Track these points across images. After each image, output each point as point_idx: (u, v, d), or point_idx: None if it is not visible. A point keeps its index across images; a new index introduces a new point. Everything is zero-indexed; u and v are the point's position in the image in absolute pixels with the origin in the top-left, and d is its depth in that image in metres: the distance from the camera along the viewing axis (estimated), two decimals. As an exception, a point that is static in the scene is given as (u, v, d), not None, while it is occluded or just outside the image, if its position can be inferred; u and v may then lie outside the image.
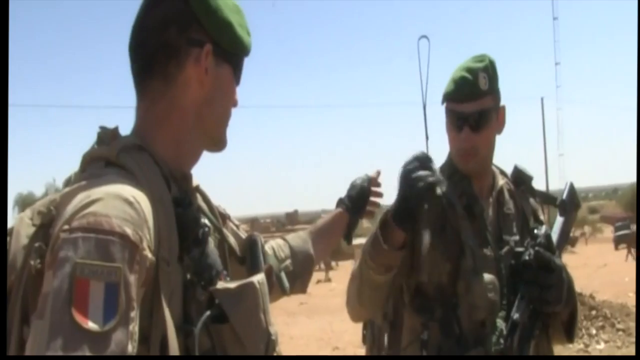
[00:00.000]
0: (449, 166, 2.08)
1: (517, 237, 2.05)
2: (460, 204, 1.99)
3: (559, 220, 2.15)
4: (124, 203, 1.06)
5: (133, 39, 1.26)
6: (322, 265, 37.28)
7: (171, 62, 1.23)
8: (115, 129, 1.24)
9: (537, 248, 1.93)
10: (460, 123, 1.99)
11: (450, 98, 2.00)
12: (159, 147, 1.22)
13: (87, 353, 0.94)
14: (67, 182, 1.24)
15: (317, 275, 35.25)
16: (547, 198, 2.20)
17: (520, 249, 1.98)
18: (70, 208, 1.06)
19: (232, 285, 1.22)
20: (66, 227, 1.03)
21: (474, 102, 1.97)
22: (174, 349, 1.10)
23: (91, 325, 0.96)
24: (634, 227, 47.01)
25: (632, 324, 11.07)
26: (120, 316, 0.99)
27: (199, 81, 1.24)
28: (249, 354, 1.22)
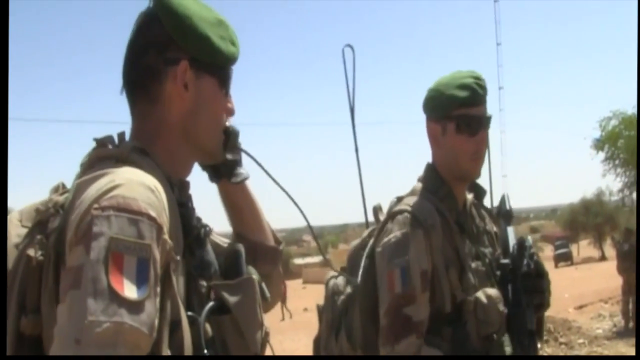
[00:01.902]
0: (434, 180, 2.06)
1: (490, 249, 2.09)
2: (452, 219, 1.99)
3: (510, 229, 2.18)
4: (147, 189, 1.11)
5: (124, 63, 1.32)
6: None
7: (153, 83, 1.29)
8: (123, 133, 1.31)
9: (535, 258, 2.02)
10: (476, 126, 2.00)
11: (464, 103, 1.98)
12: (155, 158, 1.27)
13: (126, 319, 0.99)
14: (57, 189, 1.31)
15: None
16: (497, 213, 2.24)
17: (505, 261, 2.04)
18: (94, 191, 1.09)
19: (232, 280, 1.30)
20: (96, 205, 1.06)
21: (484, 106, 2.03)
22: (186, 332, 1.15)
23: (127, 293, 1.01)
24: (571, 247, 48.29)
25: (574, 337, 11.46)
26: (150, 289, 1.04)
27: (180, 97, 1.29)
28: (247, 343, 1.28)
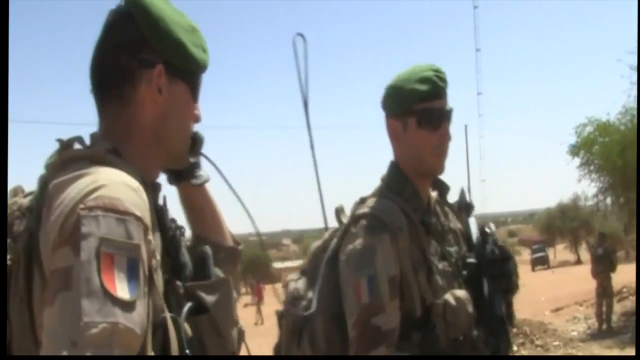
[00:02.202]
0: (398, 179, 1.99)
1: (456, 248, 2.03)
2: (417, 220, 1.92)
3: (472, 220, 2.13)
4: (130, 189, 1.10)
5: (92, 62, 1.29)
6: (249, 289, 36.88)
7: (126, 84, 1.26)
8: (96, 134, 1.28)
9: (500, 243, 1.99)
10: (438, 120, 1.95)
11: (425, 97, 1.92)
12: (127, 159, 1.23)
13: (120, 319, 0.98)
14: (16, 192, 1.30)
15: (245, 299, 35.06)
16: (458, 206, 2.19)
17: (472, 260, 1.98)
18: (75, 192, 1.07)
19: (208, 281, 1.33)
20: (82, 205, 1.04)
21: (445, 99, 1.98)
22: (172, 332, 1.16)
23: (120, 294, 1.00)
24: (547, 251, 48.71)
25: (549, 340, 11.65)
26: (140, 289, 1.04)
27: (153, 100, 1.27)
28: (225, 342, 1.31)
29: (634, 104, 14.92)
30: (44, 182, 1.17)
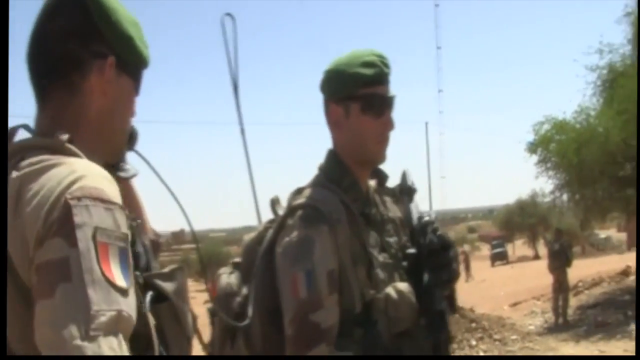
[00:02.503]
0: (337, 168, 1.91)
1: (396, 238, 1.96)
2: (357, 211, 1.85)
3: (413, 205, 2.05)
4: (107, 180, 1.10)
5: (33, 47, 1.25)
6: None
7: (75, 72, 1.23)
8: (41, 122, 1.24)
9: (440, 232, 1.89)
10: (382, 107, 1.89)
11: (369, 81, 1.86)
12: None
13: (123, 306, 1.00)
14: None
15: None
16: (400, 190, 2.11)
17: (412, 251, 1.90)
18: (54, 182, 1.05)
19: (165, 269, 1.32)
20: (69, 195, 1.03)
21: (388, 86, 1.91)
22: (151, 320, 1.19)
23: (118, 282, 1.01)
24: (506, 246, 49.39)
25: (507, 334, 11.82)
26: (131, 278, 1.05)
27: (102, 92, 1.25)
28: (183, 330, 1.31)
29: (589, 103, 15.28)
30: None
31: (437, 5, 39.73)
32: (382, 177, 2.03)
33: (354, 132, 1.88)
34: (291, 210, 1.81)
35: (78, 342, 0.94)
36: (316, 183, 1.91)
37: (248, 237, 2.00)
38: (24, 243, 1.03)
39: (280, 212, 1.90)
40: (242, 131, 2.38)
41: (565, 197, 16.08)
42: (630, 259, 22.25)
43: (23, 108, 1.34)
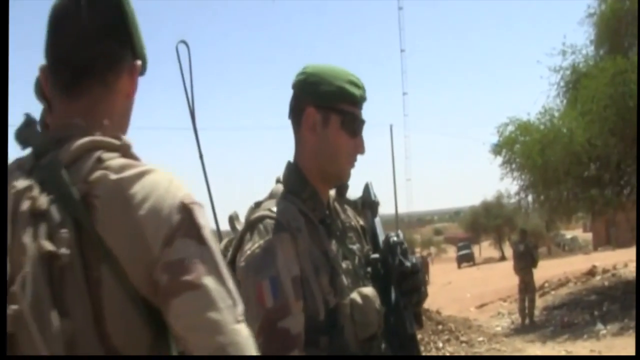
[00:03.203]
0: (297, 180, 1.90)
1: (358, 245, 1.96)
2: (316, 220, 1.86)
3: (377, 221, 2.07)
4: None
5: (66, 41, 1.25)
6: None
7: (110, 71, 1.26)
8: (76, 119, 1.24)
9: (414, 260, 1.90)
10: (358, 128, 1.90)
11: (353, 101, 1.88)
12: None
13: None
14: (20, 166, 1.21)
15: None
16: (362, 203, 2.10)
17: (375, 256, 1.94)
18: (163, 188, 1.13)
19: None
20: (188, 200, 1.14)
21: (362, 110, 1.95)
22: None
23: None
24: (473, 248, 49.89)
25: (474, 336, 11.85)
26: None
27: (128, 94, 1.31)
28: None
29: (553, 104, 15.41)
30: (58, 167, 1.13)
31: (401, 8, 40.02)
32: (342, 186, 2.03)
33: (329, 143, 1.89)
34: (250, 224, 1.80)
35: (234, 325, 1.09)
36: (274, 195, 1.90)
37: None
38: (138, 244, 1.08)
39: (239, 227, 1.90)
40: (201, 156, 2.38)
41: (530, 198, 16.17)
42: (596, 259, 22.57)
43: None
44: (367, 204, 2.11)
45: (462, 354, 10.82)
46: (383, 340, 1.82)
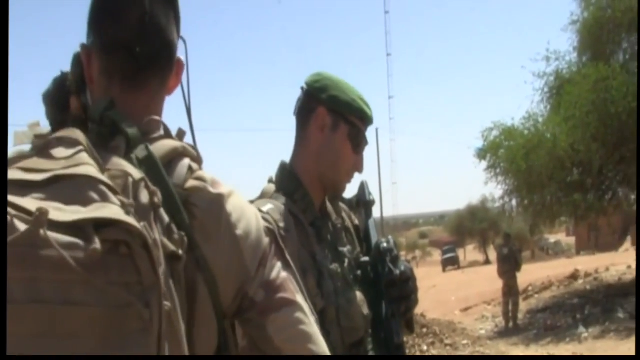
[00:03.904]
0: (290, 181, 1.90)
1: (350, 247, 1.96)
2: (307, 222, 1.85)
3: (371, 222, 2.07)
4: None
5: (135, 29, 1.16)
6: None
7: (169, 63, 1.23)
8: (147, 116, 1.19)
9: (404, 268, 1.89)
10: (362, 146, 1.93)
11: (364, 118, 1.91)
12: None
13: None
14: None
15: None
16: (357, 202, 2.12)
17: (365, 259, 1.94)
18: (251, 211, 1.19)
19: None
20: (270, 226, 1.24)
21: None
22: None
23: None
24: (458, 251, 50.03)
25: (458, 339, 11.93)
26: None
27: (171, 89, 1.26)
28: None
29: (537, 110, 15.54)
30: (158, 166, 1.07)
31: (387, 12, 40.15)
32: (337, 195, 2.02)
33: (334, 147, 1.89)
34: None
35: (320, 336, 1.21)
36: (265, 195, 1.88)
37: None
38: (236, 260, 1.12)
39: None
40: (194, 142, 2.31)
41: (514, 202, 16.28)
42: (579, 262, 22.74)
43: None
44: (362, 203, 2.11)
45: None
46: (371, 346, 1.82)
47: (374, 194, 2.16)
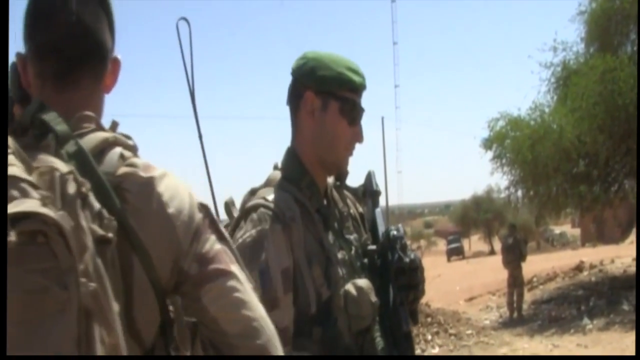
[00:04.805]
0: (296, 168, 1.88)
1: (356, 235, 1.94)
2: (313, 209, 1.83)
3: (378, 212, 2.06)
4: None
5: (61, 32, 1.23)
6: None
7: (102, 62, 1.29)
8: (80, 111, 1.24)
9: (413, 256, 1.88)
10: (357, 116, 1.88)
11: (353, 88, 1.86)
12: None
13: None
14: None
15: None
16: (364, 192, 2.10)
17: (372, 247, 1.92)
18: (183, 189, 1.24)
19: None
20: (201, 201, 1.28)
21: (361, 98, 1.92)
22: None
23: None
24: (462, 241, 50.01)
25: (463, 329, 11.95)
26: None
27: (107, 88, 1.33)
28: None
29: (543, 100, 15.48)
30: (87, 157, 1.14)
31: (394, 1, 39.83)
32: (341, 174, 2.01)
33: (327, 129, 1.86)
34: (245, 212, 1.79)
35: (258, 303, 1.26)
36: (270, 182, 1.88)
37: None
38: (169, 237, 1.18)
39: (235, 214, 1.87)
40: (200, 137, 2.33)
41: (520, 193, 16.25)
42: (584, 254, 22.71)
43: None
44: (369, 193, 2.10)
45: (451, 346, 10.91)
46: (378, 333, 1.80)
47: (380, 183, 2.15)
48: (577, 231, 47.22)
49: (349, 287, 1.75)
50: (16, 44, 1.27)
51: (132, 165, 1.19)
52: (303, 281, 1.74)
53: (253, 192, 1.88)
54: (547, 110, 15.02)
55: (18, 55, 1.28)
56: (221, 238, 1.26)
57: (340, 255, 1.83)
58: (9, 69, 1.28)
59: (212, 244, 1.23)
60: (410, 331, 1.84)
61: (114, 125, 1.29)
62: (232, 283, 1.22)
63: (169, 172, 1.23)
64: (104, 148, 1.19)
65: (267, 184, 1.88)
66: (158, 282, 1.17)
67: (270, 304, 1.62)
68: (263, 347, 1.24)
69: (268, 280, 1.67)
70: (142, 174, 1.19)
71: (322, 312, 1.74)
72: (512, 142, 14.77)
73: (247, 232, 1.73)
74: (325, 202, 1.90)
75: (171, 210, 1.19)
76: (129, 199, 1.15)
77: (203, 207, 1.25)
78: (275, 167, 1.93)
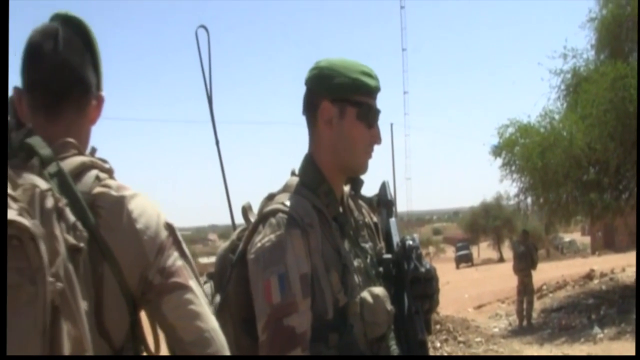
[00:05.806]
0: (314, 175, 1.89)
1: (371, 244, 1.96)
2: (330, 216, 1.85)
3: (393, 222, 2.06)
4: None
5: (47, 70, 1.44)
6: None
7: (85, 97, 1.48)
8: (63, 139, 1.43)
9: (429, 266, 1.91)
10: (374, 119, 1.90)
11: (368, 91, 1.88)
12: None
13: None
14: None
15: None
16: (378, 202, 2.12)
17: (388, 256, 1.93)
18: (150, 208, 1.42)
19: None
20: (166, 220, 1.44)
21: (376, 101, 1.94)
22: None
23: None
24: (471, 249, 49.86)
25: (472, 336, 11.90)
26: None
27: (93, 120, 1.52)
28: None
29: (553, 107, 15.41)
30: (67, 178, 1.31)
31: (403, 7, 39.88)
32: (356, 182, 2.03)
33: (345, 135, 1.87)
34: (263, 216, 1.80)
35: (212, 316, 1.42)
36: (288, 188, 1.89)
37: (222, 246, 2.01)
38: (137, 250, 1.35)
39: (252, 219, 1.89)
40: (217, 143, 2.38)
41: (529, 200, 16.15)
42: (594, 262, 22.58)
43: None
44: (383, 203, 2.11)
45: (460, 354, 10.87)
46: (393, 341, 1.80)
47: (385, 185, 2.16)
48: (587, 239, 47.02)
49: (365, 294, 1.76)
50: (15, 80, 1.44)
51: (106, 185, 1.37)
52: (320, 286, 1.75)
53: (271, 197, 1.89)
54: (557, 117, 14.93)
55: (15, 89, 1.47)
56: (183, 255, 1.42)
57: (356, 263, 1.84)
58: (9, 103, 1.45)
59: (174, 260, 1.40)
60: (426, 340, 1.83)
61: (93, 151, 1.48)
62: (189, 296, 1.38)
63: (140, 192, 1.41)
64: (82, 170, 1.38)
65: (285, 189, 1.89)
66: (127, 288, 1.35)
67: (289, 308, 1.67)
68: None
69: (287, 284, 1.68)
70: (115, 193, 1.36)
71: (339, 318, 1.75)
72: (521, 149, 14.69)
73: (266, 237, 1.74)
74: (341, 210, 1.91)
75: (139, 225, 1.36)
76: (102, 215, 1.33)
77: (169, 227, 1.42)
78: (293, 173, 1.94)
